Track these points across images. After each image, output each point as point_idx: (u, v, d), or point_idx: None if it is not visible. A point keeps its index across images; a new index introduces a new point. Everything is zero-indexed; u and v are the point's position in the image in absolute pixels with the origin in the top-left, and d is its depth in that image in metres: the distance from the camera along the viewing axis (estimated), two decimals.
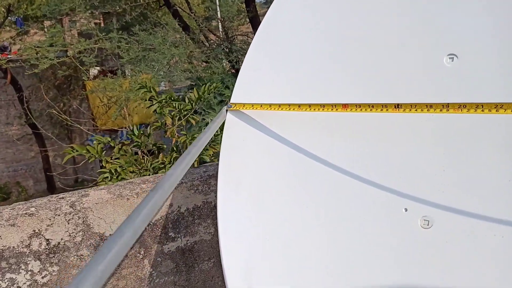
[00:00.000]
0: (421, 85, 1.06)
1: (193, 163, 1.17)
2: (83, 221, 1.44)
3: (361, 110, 1.04)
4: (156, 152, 2.58)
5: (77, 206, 1.43)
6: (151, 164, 2.40)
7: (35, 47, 5.93)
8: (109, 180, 2.27)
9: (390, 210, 1.03)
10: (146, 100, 2.56)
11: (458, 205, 0.96)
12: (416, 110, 0.96)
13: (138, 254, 1.55)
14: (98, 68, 8.47)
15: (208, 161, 2.34)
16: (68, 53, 5.64)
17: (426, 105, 0.95)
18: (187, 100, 2.51)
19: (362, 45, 1.18)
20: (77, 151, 2.25)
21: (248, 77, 1.33)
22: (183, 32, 6.55)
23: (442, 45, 1.08)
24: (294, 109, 1.16)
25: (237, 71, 6.55)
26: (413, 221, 1.00)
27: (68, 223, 1.42)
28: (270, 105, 1.21)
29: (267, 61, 1.30)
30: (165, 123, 2.57)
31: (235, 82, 1.35)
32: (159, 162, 2.41)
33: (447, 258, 0.95)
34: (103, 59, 7.74)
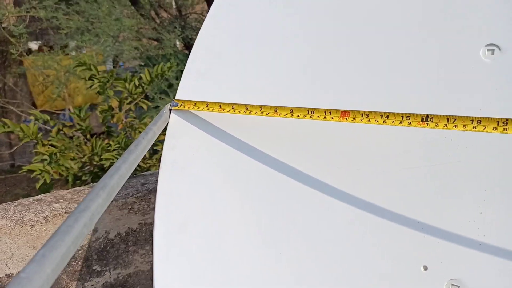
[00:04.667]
0: (451, 88, 0.74)
1: None
2: None
3: (368, 121, 0.71)
4: (102, 137, 2.32)
5: None
6: (100, 146, 2.08)
7: None
8: (48, 163, 1.97)
9: (402, 267, 0.71)
10: (86, 79, 2.28)
11: (502, 266, 0.67)
12: (455, 126, 0.64)
13: None
14: (36, 42, 7.66)
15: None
16: None
17: (472, 120, 0.63)
18: (137, 82, 2.18)
19: (366, 31, 0.85)
20: (9, 127, 1.98)
21: (202, 63, 0.96)
22: (131, 7, 5.93)
23: (477, 32, 0.76)
24: (268, 113, 0.81)
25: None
26: (437, 286, 0.69)
27: None
28: (234, 106, 0.85)
29: (230, 42, 0.94)
30: (111, 107, 2.28)
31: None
32: (106, 144, 2.12)
33: None
34: (40, 33, 6.92)
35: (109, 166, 2.07)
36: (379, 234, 0.73)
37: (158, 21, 5.85)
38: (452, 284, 0.69)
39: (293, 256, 0.76)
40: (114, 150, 2.14)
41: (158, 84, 5.12)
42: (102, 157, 2.11)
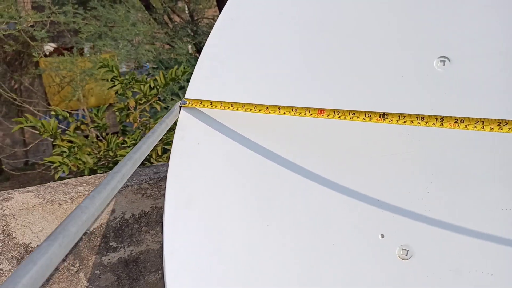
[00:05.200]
0: (409, 92, 0.91)
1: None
2: (3, 230, 1.21)
3: (339, 117, 0.88)
4: (117, 134, 2.50)
5: None
6: (115, 142, 2.25)
7: None
8: (67, 156, 2.15)
9: (364, 235, 0.88)
10: (107, 80, 2.44)
11: (442, 234, 0.83)
12: (404, 122, 0.81)
13: (72, 267, 1.34)
14: (52, 44, 7.92)
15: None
16: (16, 26, 5.15)
17: (417, 117, 0.80)
18: (152, 84, 2.35)
19: (343, 43, 1.02)
20: (31, 122, 2.12)
21: (208, 68, 1.14)
22: (146, 11, 6.16)
23: (432, 46, 0.93)
24: (260, 110, 0.98)
25: None
26: (390, 250, 0.86)
27: None
28: (233, 104, 1.02)
29: (231, 51, 1.11)
30: (128, 106, 2.45)
31: None
32: (121, 140, 2.29)
33: None
34: (56, 35, 7.18)
35: None
36: (347, 209, 0.90)
37: (171, 25, 6.08)
38: (403, 249, 0.85)
39: (277, 226, 0.93)
40: (128, 147, 2.31)
41: (170, 87, 5.30)
42: (117, 153, 2.28)
